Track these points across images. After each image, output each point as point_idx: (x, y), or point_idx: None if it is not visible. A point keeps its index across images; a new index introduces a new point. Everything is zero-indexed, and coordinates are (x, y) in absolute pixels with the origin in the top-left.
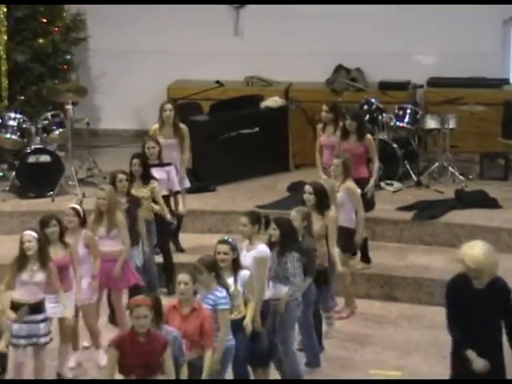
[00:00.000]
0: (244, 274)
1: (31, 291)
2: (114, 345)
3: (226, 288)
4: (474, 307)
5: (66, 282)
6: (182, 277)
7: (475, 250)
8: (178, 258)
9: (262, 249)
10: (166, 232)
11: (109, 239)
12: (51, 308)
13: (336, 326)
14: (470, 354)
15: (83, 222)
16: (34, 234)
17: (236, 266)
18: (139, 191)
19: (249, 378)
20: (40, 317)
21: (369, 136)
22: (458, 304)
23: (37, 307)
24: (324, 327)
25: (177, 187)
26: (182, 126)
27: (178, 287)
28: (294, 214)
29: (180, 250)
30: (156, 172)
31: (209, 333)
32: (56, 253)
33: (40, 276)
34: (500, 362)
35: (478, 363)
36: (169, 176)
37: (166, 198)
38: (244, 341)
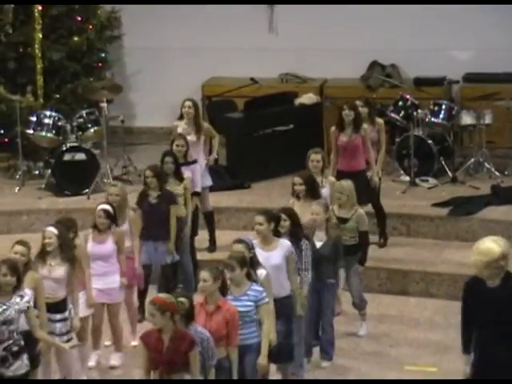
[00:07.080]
0: (260, 273)
1: (51, 288)
2: (142, 340)
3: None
4: (489, 306)
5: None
6: (202, 274)
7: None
8: (213, 255)
9: (289, 244)
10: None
11: None
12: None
13: (372, 322)
14: (466, 359)
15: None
16: (55, 231)
17: (252, 264)
18: (173, 189)
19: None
20: (57, 316)
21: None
22: (474, 304)
23: (56, 306)
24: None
25: (198, 188)
26: (205, 124)
27: (198, 284)
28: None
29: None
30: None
31: (233, 330)
32: None
33: (59, 272)
34: None
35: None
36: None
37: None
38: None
